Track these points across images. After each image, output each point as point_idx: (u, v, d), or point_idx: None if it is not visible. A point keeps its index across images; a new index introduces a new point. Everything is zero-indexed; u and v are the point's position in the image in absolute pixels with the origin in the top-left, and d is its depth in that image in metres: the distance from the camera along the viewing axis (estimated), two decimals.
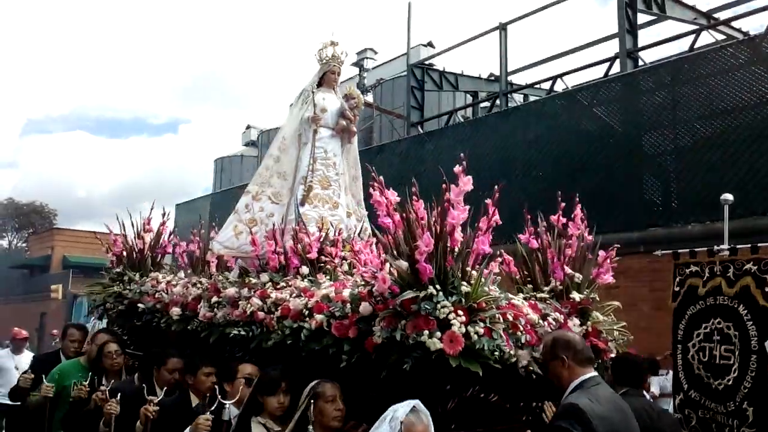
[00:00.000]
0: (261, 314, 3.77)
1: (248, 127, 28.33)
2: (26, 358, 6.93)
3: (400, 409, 2.46)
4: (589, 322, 3.55)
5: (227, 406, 3.18)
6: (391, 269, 3.08)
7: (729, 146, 7.86)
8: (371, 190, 3.15)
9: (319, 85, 5.09)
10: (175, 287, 4.72)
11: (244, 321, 3.85)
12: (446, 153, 10.63)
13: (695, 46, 10.89)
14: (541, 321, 3.27)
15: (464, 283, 2.95)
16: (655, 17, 12.03)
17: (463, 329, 2.78)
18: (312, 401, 2.84)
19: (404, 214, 3.03)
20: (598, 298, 3.69)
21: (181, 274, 5.03)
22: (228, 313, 4.01)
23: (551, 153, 9.84)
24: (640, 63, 11.25)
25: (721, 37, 11.42)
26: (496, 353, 2.82)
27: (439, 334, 2.78)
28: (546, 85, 14.00)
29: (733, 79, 8.06)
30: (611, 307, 3.76)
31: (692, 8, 11.94)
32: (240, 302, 3.95)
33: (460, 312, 2.81)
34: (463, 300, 2.88)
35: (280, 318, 3.63)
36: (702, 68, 8.49)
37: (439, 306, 2.83)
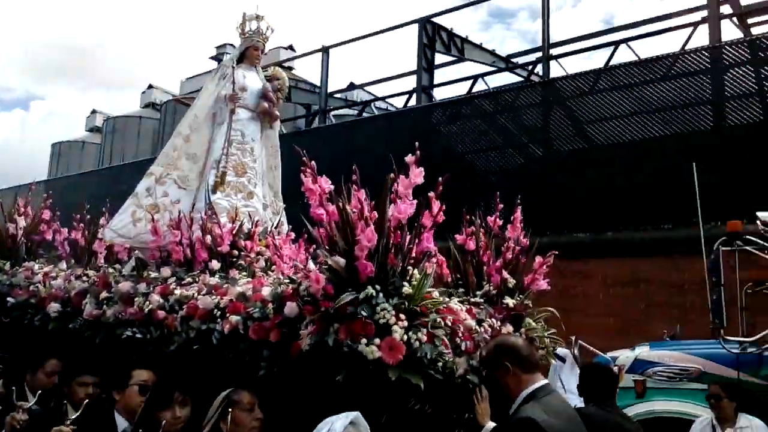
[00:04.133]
0: (161, 313, 3.27)
1: (93, 112, 26.58)
2: None
3: (338, 422, 2.11)
4: (522, 329, 3.40)
5: (120, 422, 2.66)
6: (322, 267, 2.73)
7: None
8: (302, 176, 2.77)
9: (240, 61, 4.62)
10: (54, 280, 4.03)
11: (140, 321, 3.32)
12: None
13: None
14: (477, 327, 3.06)
15: (405, 283, 2.66)
16: (456, 58, 13.46)
17: (405, 336, 2.49)
18: (227, 410, 2.41)
19: (341, 205, 2.68)
20: (531, 304, 3.55)
21: (63, 265, 4.32)
22: (120, 311, 3.45)
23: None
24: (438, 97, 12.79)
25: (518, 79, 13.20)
26: (439, 363, 2.54)
27: (377, 340, 2.47)
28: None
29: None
30: (544, 314, 3.63)
31: (491, 52, 13.56)
32: (136, 299, 3.41)
33: (402, 316, 2.52)
34: (406, 303, 2.59)
35: (185, 318, 3.15)
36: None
37: (378, 309, 2.51)
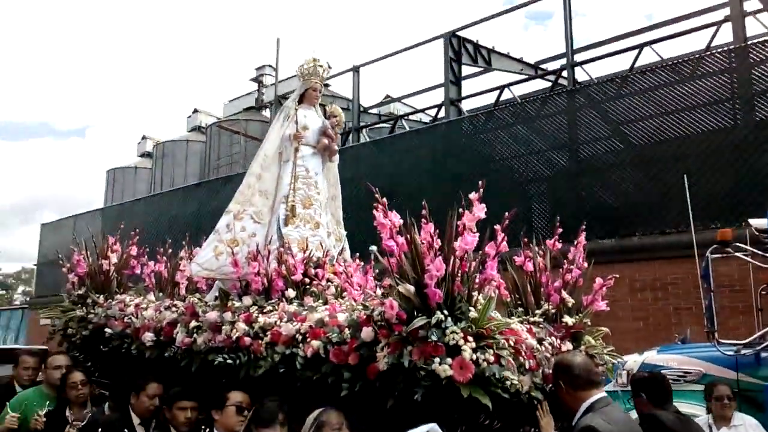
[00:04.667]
0: (247, 340, 3.60)
1: (144, 138, 27.70)
2: None
3: None
4: (582, 347, 3.57)
5: None
6: (396, 293, 3.00)
7: None
8: (375, 211, 3.06)
9: (301, 101, 4.99)
10: (145, 310, 4.44)
11: (229, 347, 3.66)
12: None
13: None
14: (538, 345, 3.25)
15: (471, 308, 2.90)
16: (482, 69, 13.66)
17: (473, 356, 2.72)
18: (319, 430, 2.70)
19: (410, 237, 2.96)
20: (590, 323, 3.72)
21: (151, 296, 4.75)
22: (209, 338, 3.81)
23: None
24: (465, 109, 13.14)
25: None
26: (507, 382, 2.76)
27: (449, 360, 2.71)
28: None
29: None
30: (601, 332, 3.79)
31: (519, 60, 13.64)
32: (223, 327, 3.76)
33: (470, 338, 2.76)
34: (472, 326, 2.83)
35: (270, 344, 3.47)
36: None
37: (448, 332, 2.76)
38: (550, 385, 3.01)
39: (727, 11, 10.20)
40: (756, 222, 5.00)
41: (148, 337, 4.20)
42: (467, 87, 13.66)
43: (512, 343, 3.00)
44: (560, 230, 3.81)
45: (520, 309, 3.78)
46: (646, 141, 8.92)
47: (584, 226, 3.72)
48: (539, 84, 13.71)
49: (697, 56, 8.98)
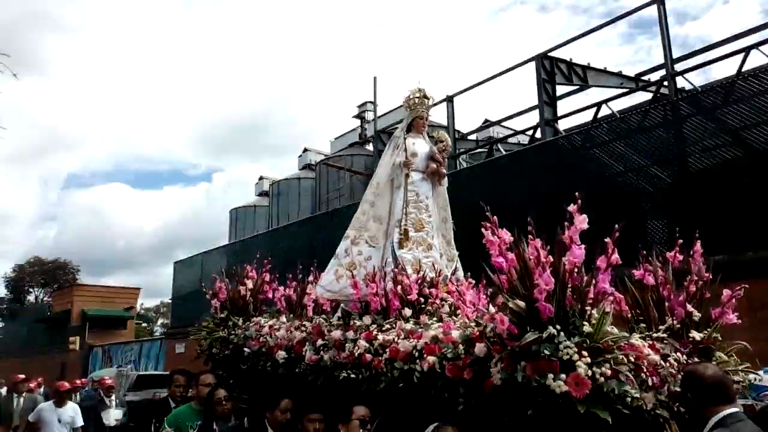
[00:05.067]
0: (368, 356, 3.82)
1: (261, 178, 29.50)
2: (69, 410, 7.22)
3: None
4: (713, 362, 3.37)
5: None
6: (507, 308, 3.06)
7: None
8: (483, 230, 3.16)
9: (408, 130, 5.24)
10: (278, 331, 4.85)
11: (352, 363, 3.91)
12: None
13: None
14: (662, 362, 3.13)
15: (585, 322, 2.89)
16: (578, 87, 13.36)
17: (589, 371, 2.71)
18: None
19: (519, 253, 3.02)
20: (720, 338, 3.51)
21: (283, 318, 5.17)
22: (334, 355, 4.09)
23: None
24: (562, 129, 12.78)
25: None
26: (627, 398, 2.71)
27: (563, 376, 2.72)
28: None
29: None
30: (735, 346, 3.55)
31: (617, 74, 13.22)
32: (346, 344, 4.02)
33: (584, 353, 2.75)
34: (587, 341, 2.82)
35: (389, 360, 3.66)
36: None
37: (561, 347, 2.77)
38: (677, 404, 2.89)
39: None
40: None
41: (281, 355, 4.58)
42: (565, 106, 13.59)
43: (632, 359, 2.94)
44: (680, 241, 3.66)
45: (642, 325, 3.66)
46: (760, 147, 8.15)
47: (697, 235, 3.54)
48: (643, 97, 13.13)
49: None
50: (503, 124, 16.33)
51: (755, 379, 3.49)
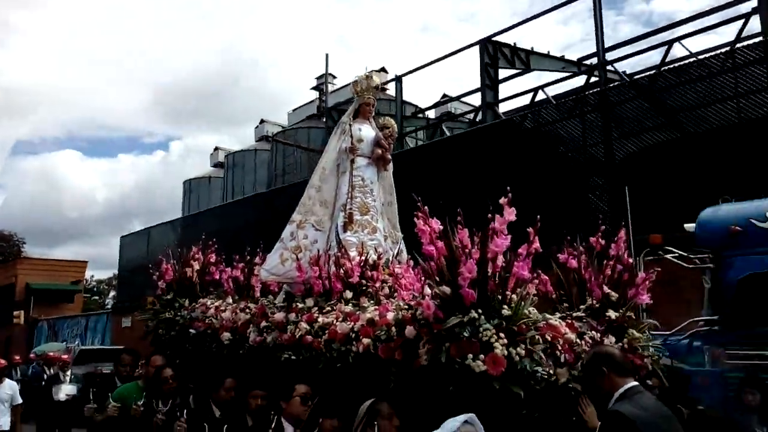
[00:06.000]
0: (309, 338, 3.99)
1: (216, 149, 29.21)
2: (6, 387, 7.16)
3: (455, 421, 2.62)
4: (625, 339, 3.67)
5: (285, 426, 3.41)
6: (435, 293, 3.27)
7: None
8: (415, 219, 3.34)
9: (355, 116, 5.35)
10: (224, 312, 4.96)
11: (293, 344, 4.07)
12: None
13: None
14: (578, 340, 3.40)
15: (505, 306, 3.11)
16: (521, 71, 13.77)
17: (505, 351, 2.94)
18: (372, 420, 3.01)
19: (447, 242, 3.21)
20: (633, 316, 3.81)
21: (229, 299, 5.27)
22: (277, 337, 4.24)
23: None
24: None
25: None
26: (538, 374, 2.96)
27: (482, 356, 2.95)
28: None
29: None
30: (647, 324, 3.86)
31: (560, 58, 13.66)
32: (288, 326, 4.18)
33: (501, 334, 2.98)
34: (504, 323, 3.05)
35: (328, 341, 3.84)
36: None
37: (481, 329, 3.00)
38: (586, 374, 3.14)
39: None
40: (688, 226, 5.44)
41: (226, 336, 4.70)
42: (509, 89, 14.08)
43: (549, 338, 3.19)
44: (602, 228, 3.93)
45: (565, 305, 3.94)
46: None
47: (624, 222, 3.81)
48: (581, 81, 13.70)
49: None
50: (462, 99, 16.64)
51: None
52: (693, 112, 8.65)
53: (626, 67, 12.78)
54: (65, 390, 8.97)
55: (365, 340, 3.54)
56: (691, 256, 5.39)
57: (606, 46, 12.35)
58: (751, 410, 4.33)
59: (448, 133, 15.20)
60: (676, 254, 5.48)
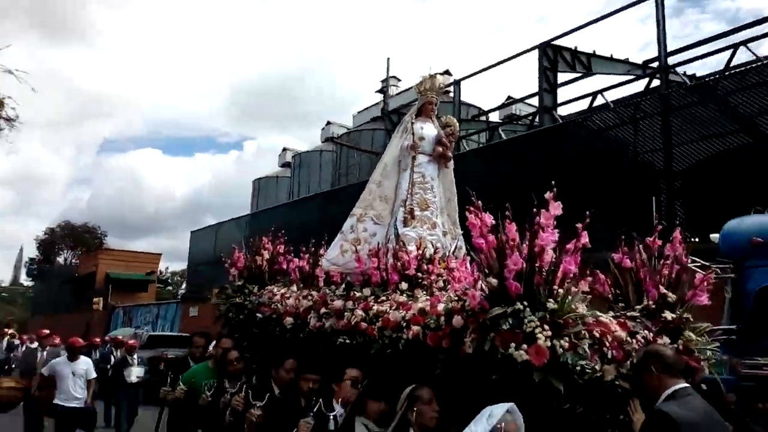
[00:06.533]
0: (363, 324, 4.18)
1: (284, 150, 29.91)
2: (82, 363, 7.93)
3: (497, 409, 2.72)
4: (680, 340, 3.60)
5: (336, 407, 3.60)
6: (484, 286, 3.36)
7: None
8: (467, 213, 3.45)
9: (418, 115, 5.49)
10: (288, 299, 5.25)
11: (349, 330, 4.27)
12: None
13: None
14: (629, 338, 3.38)
15: (551, 300, 3.16)
16: (582, 74, 13.61)
17: (548, 343, 2.99)
18: (412, 404, 3.15)
19: (498, 236, 3.30)
20: (691, 318, 3.72)
21: (294, 287, 5.56)
22: (335, 323, 4.46)
23: None
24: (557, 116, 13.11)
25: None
26: (578, 368, 2.99)
27: (525, 346, 3.01)
28: None
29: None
30: (705, 327, 3.76)
31: (623, 61, 13.34)
32: (345, 313, 4.38)
33: (545, 326, 3.03)
34: (548, 316, 3.09)
35: (381, 329, 4.01)
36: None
37: (526, 320, 3.06)
38: (636, 372, 3.12)
39: None
40: (713, 236, 5.47)
41: (289, 320, 4.98)
42: (568, 93, 13.85)
43: (597, 334, 3.20)
44: (660, 228, 3.86)
45: (621, 304, 3.91)
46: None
47: (678, 222, 3.74)
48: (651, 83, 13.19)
49: None
50: (526, 101, 16.54)
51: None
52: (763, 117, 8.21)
53: (695, 69, 12.20)
54: (135, 372, 9.85)
55: (415, 328, 3.68)
56: (713, 266, 5.26)
57: (676, 48, 12.08)
58: (759, 417, 4.41)
59: (504, 137, 15.15)
60: (698, 263, 5.40)
